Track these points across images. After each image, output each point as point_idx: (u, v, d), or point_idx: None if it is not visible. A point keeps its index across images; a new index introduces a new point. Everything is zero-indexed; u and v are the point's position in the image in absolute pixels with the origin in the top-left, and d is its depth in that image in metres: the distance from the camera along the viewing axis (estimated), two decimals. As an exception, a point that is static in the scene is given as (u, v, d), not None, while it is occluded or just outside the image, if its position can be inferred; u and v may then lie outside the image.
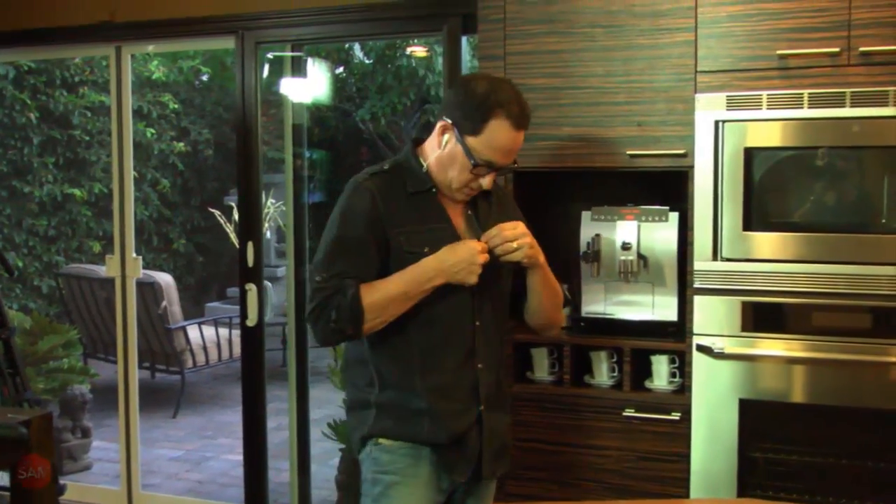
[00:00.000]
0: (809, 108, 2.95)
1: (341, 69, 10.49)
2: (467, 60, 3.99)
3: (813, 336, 2.99)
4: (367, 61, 10.28)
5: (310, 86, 5.02)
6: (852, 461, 3.02)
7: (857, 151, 3.00)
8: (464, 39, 3.93)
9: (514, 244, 2.46)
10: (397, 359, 2.51)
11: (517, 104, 2.43)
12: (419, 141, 2.60)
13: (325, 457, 5.37)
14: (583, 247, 3.34)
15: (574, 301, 3.45)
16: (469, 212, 2.59)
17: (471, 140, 2.42)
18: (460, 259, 2.40)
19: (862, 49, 2.93)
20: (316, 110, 9.74)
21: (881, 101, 2.90)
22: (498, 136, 2.41)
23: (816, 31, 2.97)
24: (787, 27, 3.00)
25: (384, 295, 2.40)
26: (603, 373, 3.32)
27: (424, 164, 2.53)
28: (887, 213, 2.96)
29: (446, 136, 2.47)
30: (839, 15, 2.95)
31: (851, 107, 2.92)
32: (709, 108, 3.05)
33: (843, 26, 2.95)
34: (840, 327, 2.97)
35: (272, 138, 8.13)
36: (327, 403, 5.88)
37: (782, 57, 2.97)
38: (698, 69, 3.08)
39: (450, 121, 2.46)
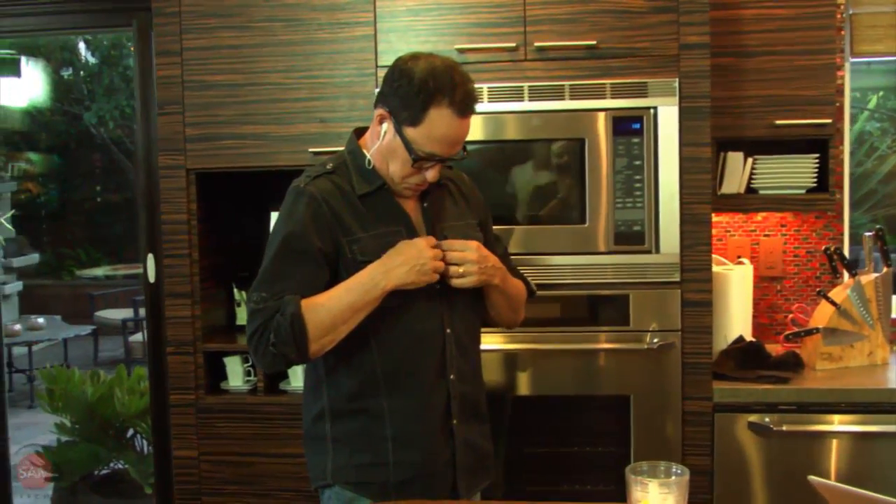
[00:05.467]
0: (490, 102, 2.98)
1: (70, 71, 9.96)
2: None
3: (532, 328, 2.94)
4: (93, 61, 9.80)
5: (25, 87, 4.66)
6: (581, 448, 3.09)
7: (539, 144, 3.04)
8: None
9: (461, 269, 2.18)
10: (359, 381, 2.20)
11: (461, 89, 2.10)
12: (361, 131, 2.29)
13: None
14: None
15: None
16: (425, 204, 2.27)
17: (410, 131, 2.10)
18: (407, 258, 2.10)
19: (538, 44, 2.97)
20: (38, 114, 9.18)
21: (558, 94, 2.95)
22: (439, 126, 2.09)
23: (494, 26, 3.00)
24: (467, 22, 3.01)
25: (328, 310, 2.08)
26: (298, 377, 3.21)
27: (370, 159, 2.20)
28: (577, 204, 3.01)
29: (384, 126, 2.15)
30: (515, 11, 2.99)
31: (530, 100, 2.97)
32: (391, 103, 3.00)
33: (519, 22, 2.99)
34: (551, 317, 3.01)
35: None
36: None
37: (461, 51, 2.97)
38: (379, 64, 3.04)
39: (386, 109, 2.14)
